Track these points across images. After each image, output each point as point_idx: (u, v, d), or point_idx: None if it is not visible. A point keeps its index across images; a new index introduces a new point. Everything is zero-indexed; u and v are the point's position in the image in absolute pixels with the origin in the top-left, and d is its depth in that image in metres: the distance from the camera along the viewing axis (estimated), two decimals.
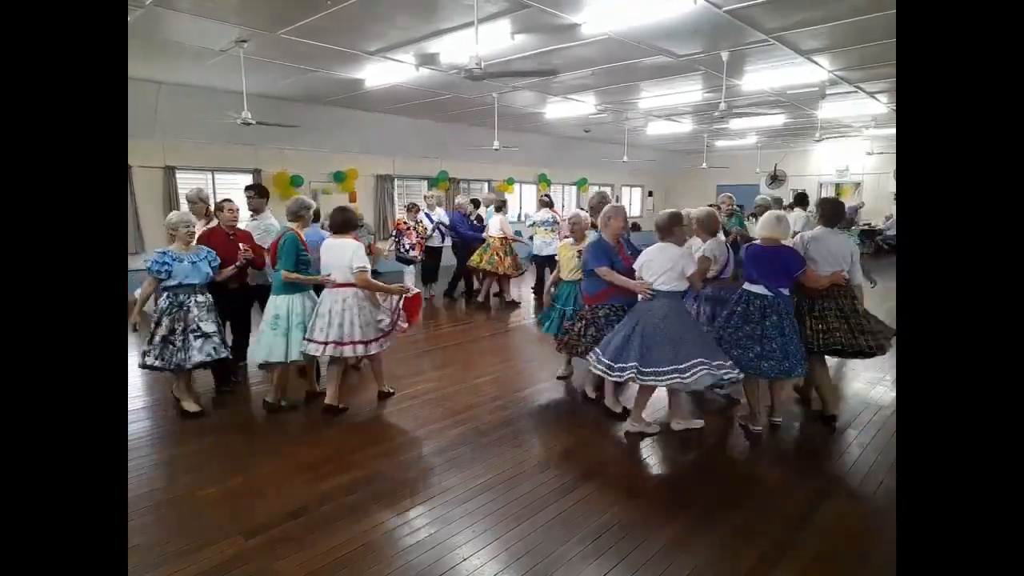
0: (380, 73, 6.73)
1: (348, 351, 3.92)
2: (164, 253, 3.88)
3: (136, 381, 4.60)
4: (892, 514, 2.81)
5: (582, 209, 5.26)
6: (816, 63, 6.30)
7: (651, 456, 3.52)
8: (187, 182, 8.83)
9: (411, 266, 8.11)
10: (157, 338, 3.84)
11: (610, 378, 3.64)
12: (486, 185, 13.45)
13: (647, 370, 3.44)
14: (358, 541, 2.58)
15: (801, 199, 7.32)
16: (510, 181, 13.90)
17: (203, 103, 7.55)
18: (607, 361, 3.58)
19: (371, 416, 4.10)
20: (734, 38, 5.36)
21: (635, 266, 3.74)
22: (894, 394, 4.50)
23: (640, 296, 3.71)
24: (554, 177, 15.09)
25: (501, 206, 8.34)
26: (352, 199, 10.61)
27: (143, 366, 3.87)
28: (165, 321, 3.85)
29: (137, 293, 3.98)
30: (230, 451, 3.56)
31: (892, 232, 13.79)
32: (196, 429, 3.86)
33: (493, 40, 5.23)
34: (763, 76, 6.88)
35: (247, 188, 5.01)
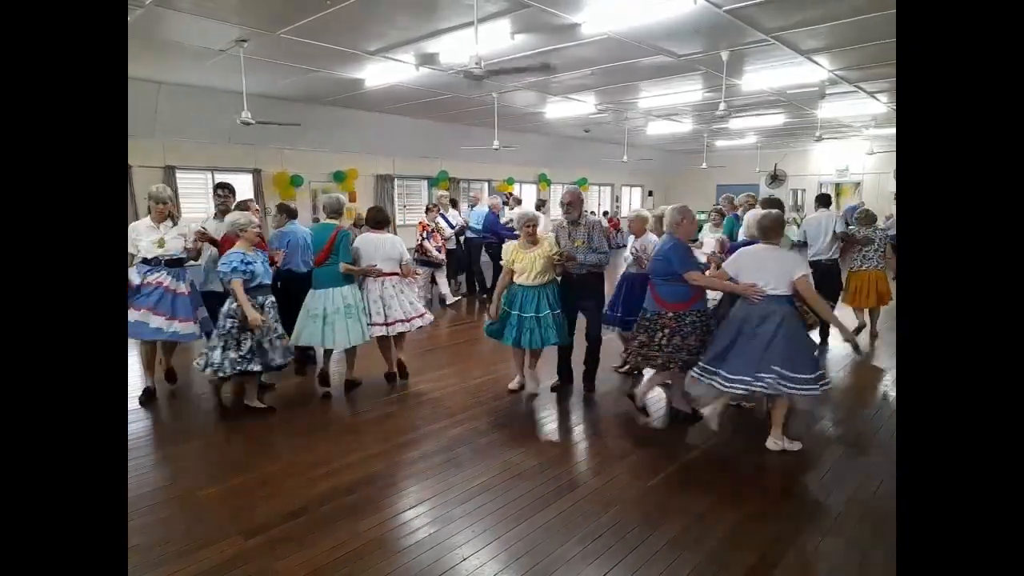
0: (380, 73, 6.72)
1: (417, 323, 4.62)
2: (244, 254, 3.77)
3: (136, 381, 4.59)
4: (892, 514, 2.81)
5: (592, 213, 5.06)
6: (816, 63, 6.30)
7: (651, 456, 3.51)
8: (187, 182, 8.85)
9: (441, 268, 7.95)
10: (264, 342, 3.82)
11: (736, 391, 3.41)
12: (486, 185, 13.45)
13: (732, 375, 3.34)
14: (358, 541, 2.58)
15: (824, 199, 7.33)
16: (510, 181, 13.90)
17: (203, 103, 7.55)
18: (726, 374, 3.39)
19: (371, 416, 4.10)
20: (734, 38, 5.36)
21: (727, 267, 3.54)
22: (894, 394, 4.50)
23: (724, 299, 3.61)
24: (554, 177, 15.09)
25: (541, 205, 8.34)
26: (352, 199, 10.62)
27: (240, 373, 3.81)
28: (239, 326, 3.79)
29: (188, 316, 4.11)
30: (230, 451, 3.56)
31: (892, 232, 13.77)
32: (196, 429, 3.86)
33: (493, 40, 5.22)
34: (763, 76, 6.88)
35: (220, 187, 4.75)
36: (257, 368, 3.84)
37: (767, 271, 3.35)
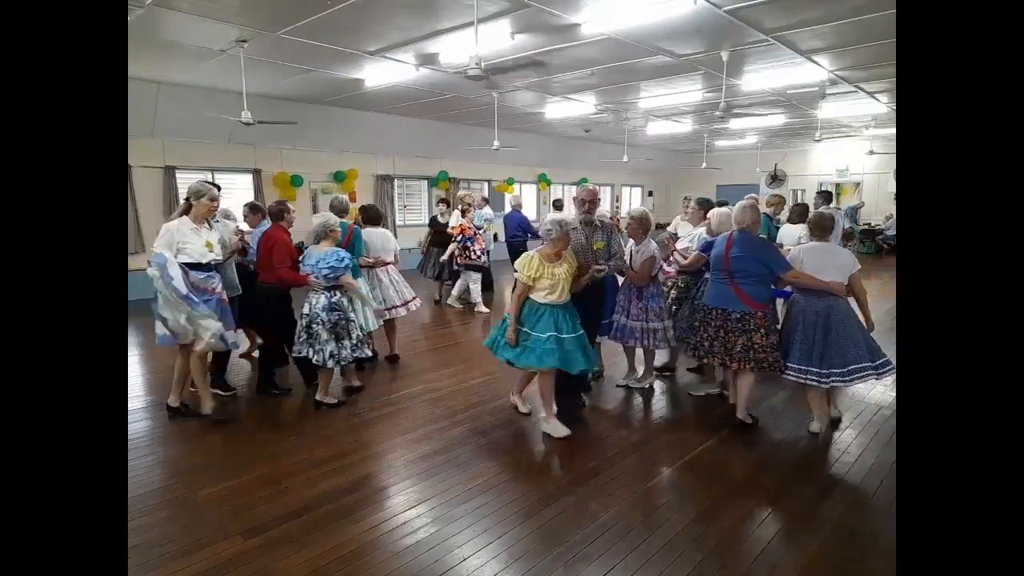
0: (380, 73, 6.73)
1: (415, 305, 5.32)
2: (338, 252, 3.99)
3: (136, 381, 4.59)
4: (892, 514, 2.81)
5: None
6: (816, 63, 6.30)
7: (651, 456, 3.51)
8: (187, 182, 8.83)
9: (477, 274, 7.70)
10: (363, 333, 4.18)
11: (821, 386, 3.61)
12: (486, 185, 13.45)
13: (824, 371, 3.54)
14: (358, 541, 2.59)
15: (827, 196, 7.37)
16: (510, 181, 13.90)
17: (203, 103, 7.55)
18: (817, 369, 3.55)
19: (371, 416, 4.10)
20: (734, 38, 5.36)
21: (796, 265, 3.62)
22: (894, 394, 4.50)
23: (792, 296, 3.75)
24: (554, 177, 15.10)
25: (561, 207, 8.40)
26: (352, 199, 10.64)
27: (355, 360, 4.18)
28: (354, 317, 4.15)
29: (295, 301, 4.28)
30: (230, 451, 3.56)
31: (892, 232, 13.78)
32: (196, 429, 3.86)
33: (493, 40, 5.23)
34: (763, 76, 6.88)
35: (206, 186, 4.40)
36: (366, 354, 4.20)
37: (827, 266, 3.54)
